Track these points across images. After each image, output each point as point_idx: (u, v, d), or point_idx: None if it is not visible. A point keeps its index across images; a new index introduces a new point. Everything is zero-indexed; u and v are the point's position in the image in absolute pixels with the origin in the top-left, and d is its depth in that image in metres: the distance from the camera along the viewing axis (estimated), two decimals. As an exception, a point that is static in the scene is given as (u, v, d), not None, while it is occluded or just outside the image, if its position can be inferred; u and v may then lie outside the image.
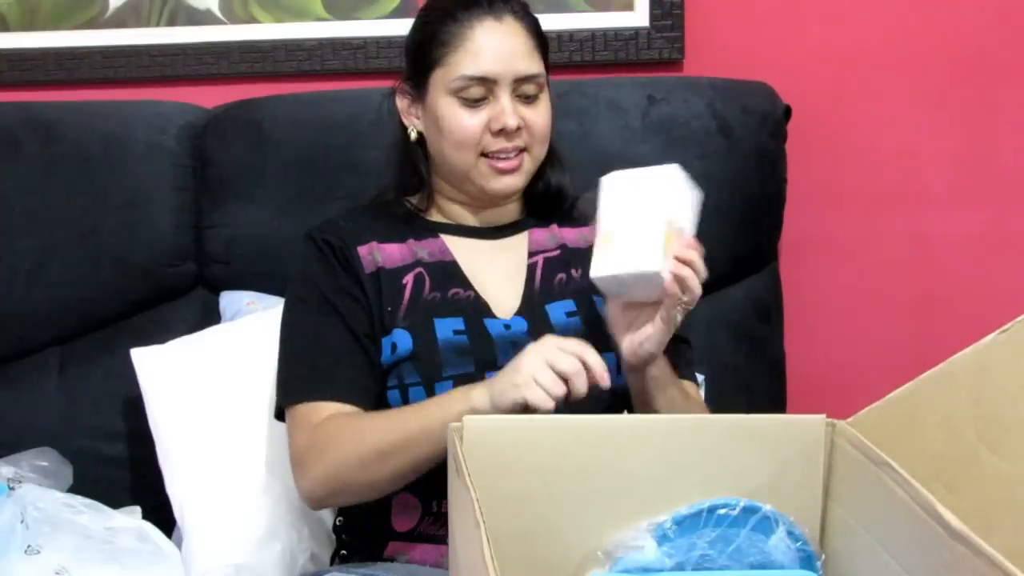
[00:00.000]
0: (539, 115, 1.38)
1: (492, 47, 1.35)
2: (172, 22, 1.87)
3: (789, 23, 1.87)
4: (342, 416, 1.30)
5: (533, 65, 1.37)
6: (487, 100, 1.35)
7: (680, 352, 1.41)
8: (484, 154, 1.36)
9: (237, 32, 1.87)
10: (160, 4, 1.86)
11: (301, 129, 1.76)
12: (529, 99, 1.37)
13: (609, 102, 1.75)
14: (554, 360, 1.15)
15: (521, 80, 1.36)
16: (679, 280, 1.20)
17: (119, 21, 1.87)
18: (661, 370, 1.31)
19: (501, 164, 1.36)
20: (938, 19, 1.86)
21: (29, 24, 1.88)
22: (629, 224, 1.23)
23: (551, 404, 1.14)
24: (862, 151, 1.90)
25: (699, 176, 1.72)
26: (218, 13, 1.87)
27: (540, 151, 1.40)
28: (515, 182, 1.39)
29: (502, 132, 1.35)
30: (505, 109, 1.34)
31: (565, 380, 1.15)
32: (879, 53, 1.87)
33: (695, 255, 1.22)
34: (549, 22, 1.82)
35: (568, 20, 1.85)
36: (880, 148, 1.90)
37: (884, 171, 1.90)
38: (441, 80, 1.36)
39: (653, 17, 1.84)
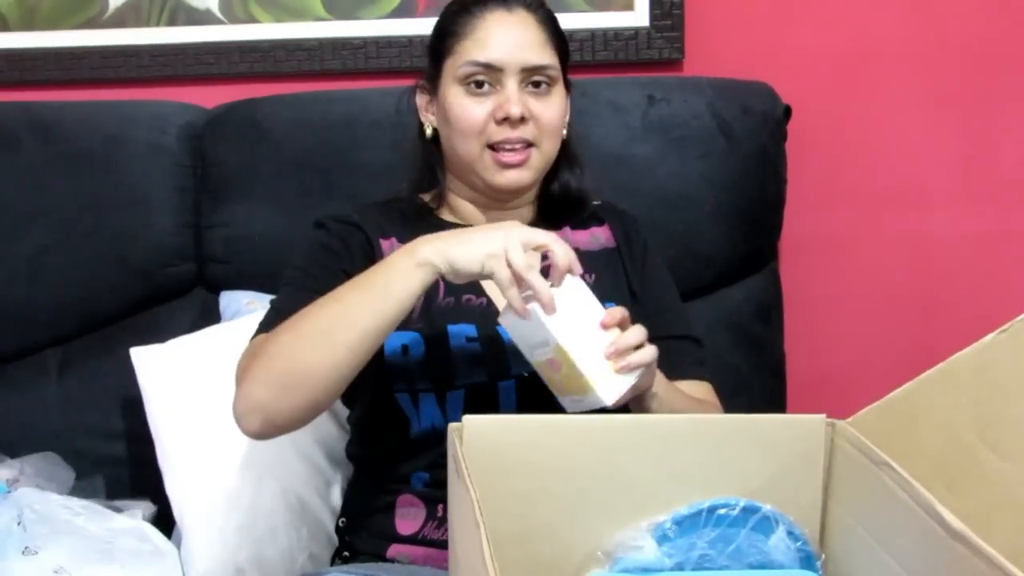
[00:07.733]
0: (549, 108, 1.35)
1: (500, 35, 1.34)
2: (172, 22, 1.87)
3: (789, 23, 1.87)
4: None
5: (543, 56, 1.35)
6: (494, 89, 1.34)
7: (685, 351, 1.40)
8: (490, 146, 1.34)
9: (237, 32, 1.87)
10: (160, 4, 1.86)
11: (301, 129, 1.76)
12: (539, 91, 1.35)
13: (609, 102, 1.75)
14: (528, 238, 1.14)
15: (529, 70, 1.34)
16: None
17: (119, 21, 1.87)
18: (659, 398, 1.26)
19: (505, 157, 1.34)
20: (938, 19, 1.86)
21: (29, 24, 1.88)
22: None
23: (513, 286, 1.12)
24: (862, 151, 1.90)
25: (699, 176, 1.75)
26: (218, 13, 1.87)
27: (550, 146, 1.37)
28: (520, 177, 1.36)
29: (506, 121, 1.32)
30: (510, 97, 1.32)
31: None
32: (879, 53, 1.87)
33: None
34: (549, 22, 1.84)
35: (568, 20, 1.83)
36: (880, 148, 1.90)
37: (884, 171, 1.90)
38: (450, 69, 1.36)
39: (653, 17, 1.84)
